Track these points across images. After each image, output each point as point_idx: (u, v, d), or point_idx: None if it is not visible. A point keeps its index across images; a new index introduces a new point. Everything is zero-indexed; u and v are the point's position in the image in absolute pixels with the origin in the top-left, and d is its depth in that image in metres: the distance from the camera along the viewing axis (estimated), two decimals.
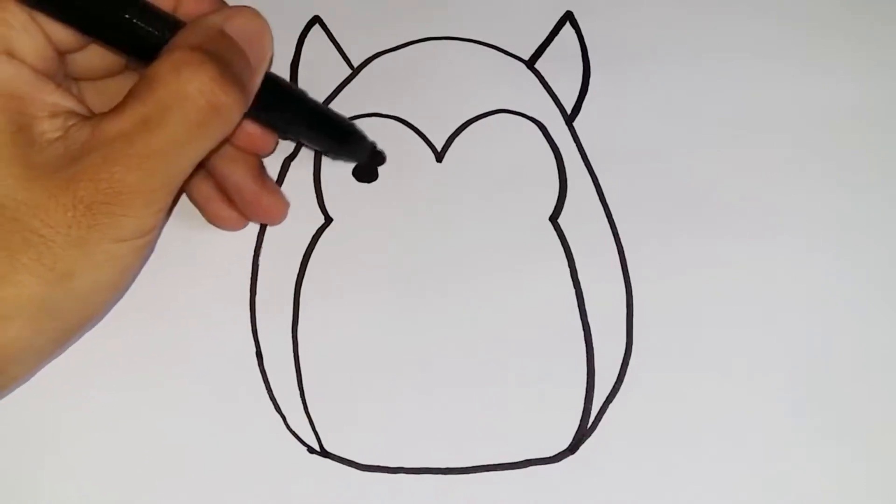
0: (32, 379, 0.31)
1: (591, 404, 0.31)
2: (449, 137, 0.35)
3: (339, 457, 0.31)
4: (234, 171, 0.32)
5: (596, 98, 0.36)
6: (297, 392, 0.32)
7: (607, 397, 0.31)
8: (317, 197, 0.35)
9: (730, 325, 0.32)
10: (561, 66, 0.37)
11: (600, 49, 0.37)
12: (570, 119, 0.36)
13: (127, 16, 0.26)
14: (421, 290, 0.33)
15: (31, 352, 0.28)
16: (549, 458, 0.31)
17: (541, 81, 0.36)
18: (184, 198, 0.34)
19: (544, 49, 0.37)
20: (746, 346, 0.32)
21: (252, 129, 0.31)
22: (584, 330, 0.32)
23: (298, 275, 0.33)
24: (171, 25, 0.27)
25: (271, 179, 0.33)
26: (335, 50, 0.37)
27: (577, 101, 0.36)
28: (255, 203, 0.33)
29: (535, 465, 0.30)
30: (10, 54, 0.25)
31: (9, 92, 0.25)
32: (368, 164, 0.35)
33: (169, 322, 0.32)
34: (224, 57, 0.26)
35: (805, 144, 0.35)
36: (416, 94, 0.36)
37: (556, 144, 0.35)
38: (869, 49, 0.37)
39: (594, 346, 0.32)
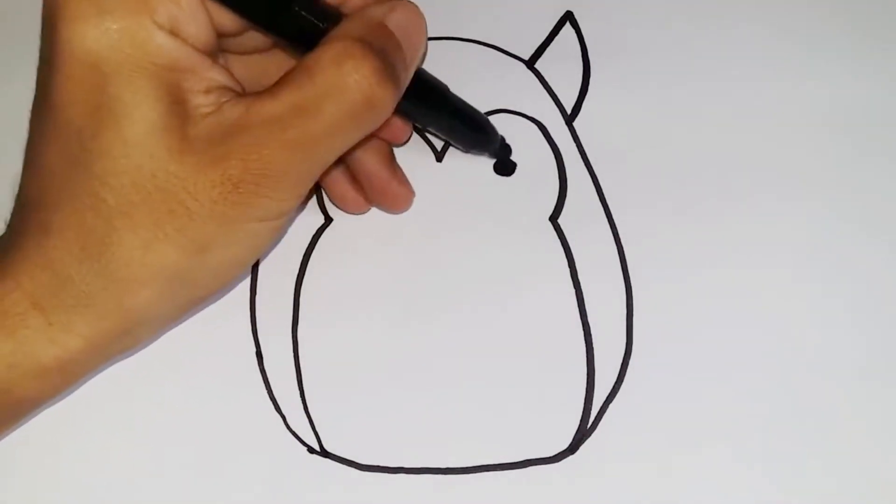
0: None
1: (591, 404, 0.31)
2: None
3: (339, 457, 0.31)
4: (368, 158, 0.32)
5: (596, 98, 0.36)
6: (297, 392, 0.32)
7: (607, 397, 0.31)
8: (317, 197, 0.35)
9: (730, 325, 0.32)
10: (561, 66, 0.37)
11: (600, 49, 0.37)
12: (570, 119, 0.36)
13: (296, 8, 0.26)
14: (421, 290, 0.33)
15: (158, 316, 0.29)
16: (549, 458, 0.31)
17: (541, 81, 0.36)
18: None
19: (544, 49, 0.37)
20: (746, 346, 0.32)
21: (392, 118, 0.31)
22: (584, 330, 0.32)
23: (298, 275, 0.33)
24: (334, 18, 0.27)
25: (400, 168, 0.34)
26: None
27: (577, 101, 0.36)
28: (384, 190, 0.33)
29: (535, 465, 0.30)
30: (176, 33, 0.26)
31: (170, 66, 0.25)
32: (498, 157, 0.35)
33: None
34: (384, 51, 0.26)
35: (805, 144, 0.35)
36: None
37: (556, 144, 0.35)
38: (869, 49, 0.37)
39: (594, 346, 0.32)
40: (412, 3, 0.28)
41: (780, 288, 0.33)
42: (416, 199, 0.34)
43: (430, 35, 0.37)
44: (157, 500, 0.30)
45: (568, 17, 0.37)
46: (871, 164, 0.35)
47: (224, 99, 0.26)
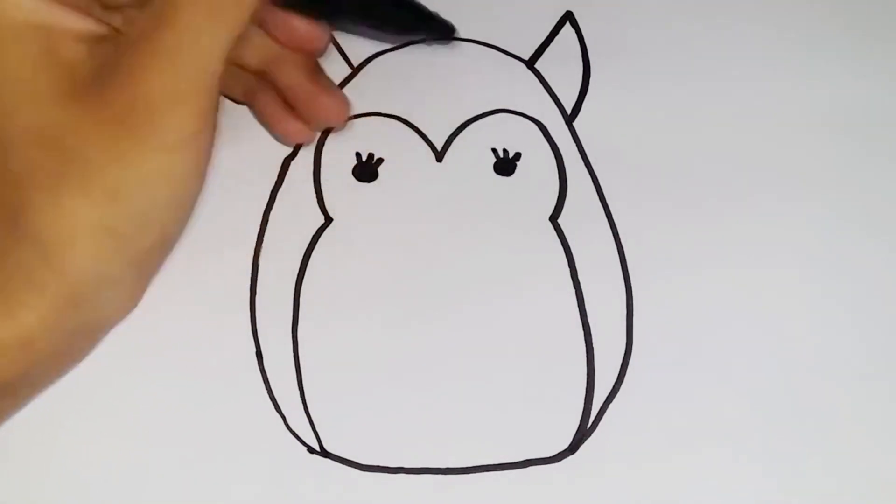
0: None
1: (591, 404, 0.31)
2: (449, 137, 0.35)
3: (339, 457, 0.31)
4: (288, 74, 0.31)
5: (596, 98, 0.36)
6: (297, 392, 0.32)
7: (607, 397, 0.31)
8: (317, 197, 0.35)
9: (730, 325, 0.32)
10: (561, 66, 0.37)
11: (600, 49, 0.37)
12: (570, 119, 0.36)
13: None
14: (421, 290, 0.33)
15: (109, 279, 0.28)
16: (549, 458, 0.31)
17: (541, 81, 0.36)
18: None
19: (544, 49, 0.37)
20: (746, 346, 0.32)
21: (297, 23, 0.30)
22: (584, 330, 0.32)
23: (298, 275, 0.33)
24: None
25: (329, 79, 0.33)
26: (335, 49, 0.37)
27: (577, 101, 0.36)
28: (311, 104, 0.32)
29: (535, 465, 0.31)
30: None
31: (37, 23, 0.25)
32: (443, 35, 0.33)
33: (169, 322, 0.32)
34: None
35: (805, 144, 0.35)
36: (416, 94, 0.36)
37: (556, 144, 0.35)
38: (869, 49, 0.37)
39: (594, 346, 0.32)
40: None
41: (781, 288, 0.33)
42: (416, 199, 0.34)
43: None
44: (157, 500, 0.30)
45: (568, 17, 0.37)
46: (871, 164, 0.35)
47: (97, 45, 0.26)
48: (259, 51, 0.32)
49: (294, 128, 0.33)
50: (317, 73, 0.32)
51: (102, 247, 0.27)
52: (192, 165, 0.28)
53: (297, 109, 0.32)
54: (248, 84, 0.33)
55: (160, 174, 0.27)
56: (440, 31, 0.34)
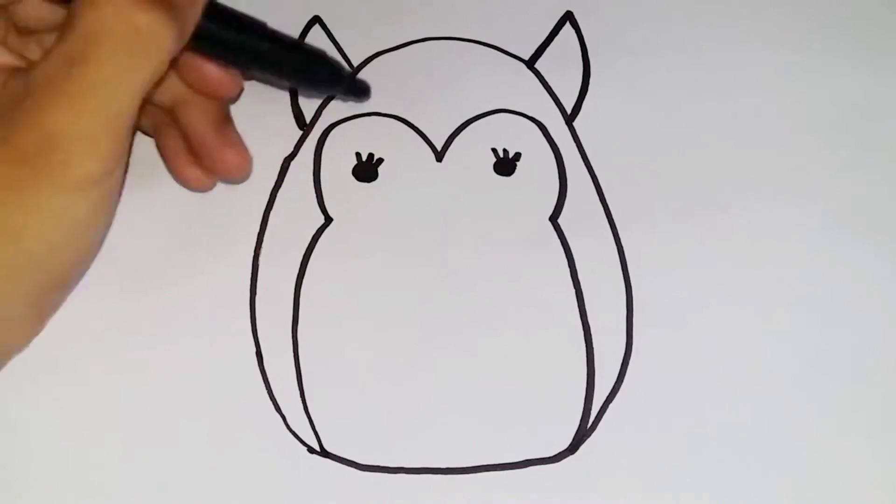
0: (31, 377, 0.31)
1: (591, 404, 0.31)
2: (449, 137, 0.35)
3: (339, 457, 0.31)
4: (194, 119, 0.30)
5: (596, 98, 0.36)
6: (297, 392, 0.32)
7: (607, 397, 0.31)
8: (317, 197, 0.35)
9: (730, 325, 0.32)
10: (561, 66, 0.37)
11: (600, 49, 0.37)
12: (570, 119, 0.36)
13: None
14: (421, 290, 0.33)
15: (4, 316, 0.27)
16: (549, 458, 0.31)
17: (541, 81, 0.36)
18: (182, 195, 0.34)
19: (544, 49, 0.37)
20: (746, 346, 0.32)
21: (209, 69, 0.29)
22: (584, 330, 0.32)
23: (298, 275, 0.33)
24: None
25: (236, 131, 0.32)
26: (335, 49, 0.37)
27: (577, 101, 0.36)
28: (214, 154, 0.31)
29: (535, 465, 0.30)
30: None
31: None
32: (353, 94, 0.33)
33: (169, 322, 0.32)
34: None
35: (805, 144, 0.35)
36: (416, 94, 0.36)
37: (556, 144, 0.35)
38: (869, 48, 0.37)
39: (594, 346, 0.32)
40: None
41: (780, 288, 0.33)
42: (416, 199, 0.34)
43: (430, 35, 0.37)
44: (157, 500, 0.30)
45: (568, 17, 0.37)
46: (870, 165, 0.35)
47: (8, 78, 0.25)
48: (168, 89, 0.31)
49: (193, 174, 0.32)
50: (224, 122, 0.31)
51: (5, 290, 0.26)
52: (97, 207, 0.27)
53: (199, 156, 0.31)
54: (156, 118, 0.32)
55: (63, 216, 0.26)
56: (353, 90, 0.33)
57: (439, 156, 0.35)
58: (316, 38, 0.37)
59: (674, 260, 0.33)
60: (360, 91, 0.34)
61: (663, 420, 0.31)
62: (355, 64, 0.37)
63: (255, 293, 0.33)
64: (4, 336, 0.28)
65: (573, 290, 0.33)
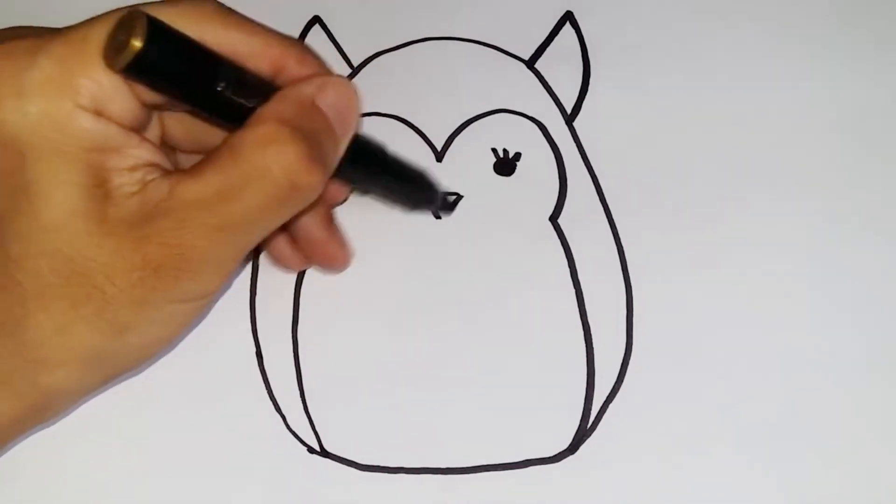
0: None
1: (591, 404, 0.31)
2: (449, 137, 0.35)
3: (339, 457, 0.31)
4: (304, 221, 0.31)
5: (596, 98, 0.36)
6: (297, 392, 0.32)
7: (607, 397, 0.31)
8: None
9: (730, 325, 0.32)
10: (561, 66, 0.37)
11: (600, 49, 0.37)
12: (570, 119, 0.36)
13: (220, 87, 0.25)
14: (421, 290, 0.33)
15: (76, 392, 0.28)
16: (549, 458, 0.31)
17: (541, 81, 0.36)
18: None
19: (544, 49, 0.37)
20: (746, 346, 0.32)
21: (328, 183, 0.30)
22: (584, 330, 0.32)
23: (298, 275, 0.33)
24: (263, 92, 0.26)
25: (339, 228, 0.33)
26: (335, 50, 0.37)
27: (577, 101, 0.36)
28: (322, 250, 0.32)
29: (535, 465, 0.31)
30: (99, 113, 0.25)
31: (93, 147, 0.25)
32: (443, 210, 0.34)
33: None
34: (312, 133, 0.25)
35: (805, 144, 0.35)
36: (416, 94, 0.36)
37: (556, 144, 0.35)
38: (869, 49, 0.37)
39: (594, 346, 0.32)
40: (345, 79, 0.27)
41: (780, 287, 0.33)
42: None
43: (430, 35, 0.37)
44: (158, 499, 0.30)
45: (568, 17, 0.38)
46: (871, 164, 0.35)
47: (150, 177, 0.25)
48: None
49: (292, 256, 0.33)
50: (330, 221, 0.32)
51: (90, 371, 0.27)
52: (200, 314, 0.28)
53: (303, 246, 0.32)
54: None
55: (170, 320, 0.27)
56: (444, 207, 0.34)
57: (439, 156, 0.35)
58: (316, 38, 0.37)
59: (674, 260, 0.33)
60: (449, 207, 0.34)
61: (663, 420, 0.31)
62: (355, 64, 0.37)
63: (255, 293, 0.33)
64: (60, 406, 0.29)
65: (573, 290, 0.33)
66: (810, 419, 0.31)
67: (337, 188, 0.32)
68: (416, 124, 0.35)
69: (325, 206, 0.32)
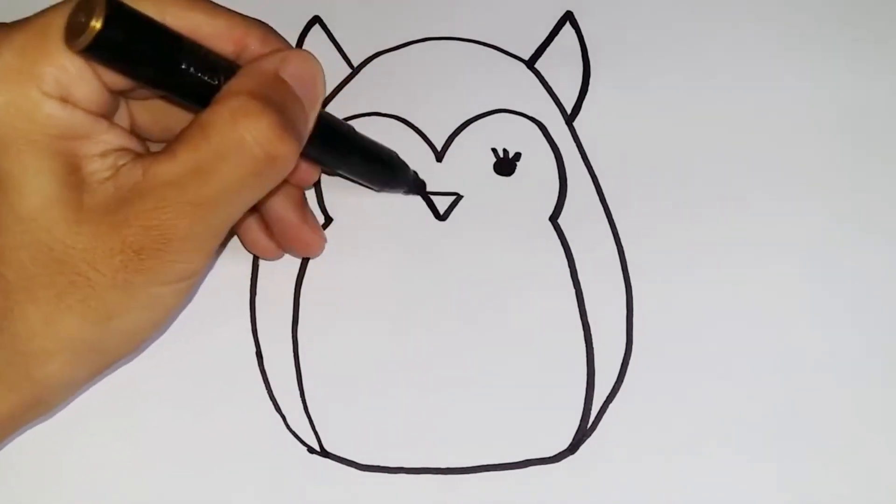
0: None
1: (591, 404, 0.31)
2: (449, 137, 0.35)
3: (339, 457, 0.31)
4: (276, 203, 0.31)
5: (596, 98, 0.36)
6: (297, 392, 0.32)
7: (607, 397, 0.31)
8: (317, 197, 0.35)
9: (730, 325, 0.32)
10: (561, 66, 0.37)
11: (600, 49, 0.37)
12: (570, 119, 0.36)
13: (185, 66, 0.25)
14: (421, 290, 0.33)
15: (70, 383, 0.28)
16: (549, 458, 0.31)
17: (541, 81, 0.36)
18: None
19: (544, 49, 0.37)
20: (746, 346, 0.32)
21: (298, 164, 0.30)
22: (584, 330, 0.32)
23: (298, 275, 0.33)
24: (226, 71, 0.26)
25: (312, 213, 0.33)
26: (335, 50, 0.37)
27: (577, 101, 0.36)
28: (294, 235, 0.32)
29: (535, 465, 0.31)
30: (65, 100, 0.25)
31: (62, 135, 0.25)
32: (414, 192, 0.34)
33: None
34: (280, 104, 0.25)
35: (805, 144, 0.35)
36: (416, 94, 0.36)
37: (556, 144, 0.35)
38: (869, 49, 0.37)
39: (594, 346, 0.32)
40: (306, 51, 0.27)
41: (780, 287, 0.33)
42: (415, 199, 0.34)
43: (430, 35, 0.37)
44: (158, 499, 0.30)
45: (568, 17, 0.37)
46: (871, 164, 0.35)
47: (122, 162, 0.25)
48: None
49: (266, 245, 0.33)
50: (302, 205, 0.32)
51: (81, 360, 0.27)
52: (186, 295, 0.28)
53: (276, 233, 0.32)
54: None
55: (155, 303, 0.27)
56: (415, 191, 0.34)
57: (439, 156, 0.35)
58: (316, 38, 0.37)
59: (674, 260, 0.33)
60: (419, 186, 0.34)
61: (663, 420, 0.31)
62: (355, 64, 0.37)
63: (255, 293, 0.33)
64: (55, 398, 0.29)
65: (573, 290, 0.33)
66: (810, 419, 0.31)
67: (307, 169, 0.31)
68: (416, 124, 0.35)
69: (296, 189, 0.32)
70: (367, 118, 0.35)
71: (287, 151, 0.25)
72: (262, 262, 0.34)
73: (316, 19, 0.38)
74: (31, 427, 0.30)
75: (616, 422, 0.31)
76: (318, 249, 0.33)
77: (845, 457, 0.30)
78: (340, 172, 0.34)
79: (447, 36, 0.37)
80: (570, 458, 0.31)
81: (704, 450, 0.30)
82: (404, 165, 0.34)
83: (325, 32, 0.37)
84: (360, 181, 0.34)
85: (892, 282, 0.33)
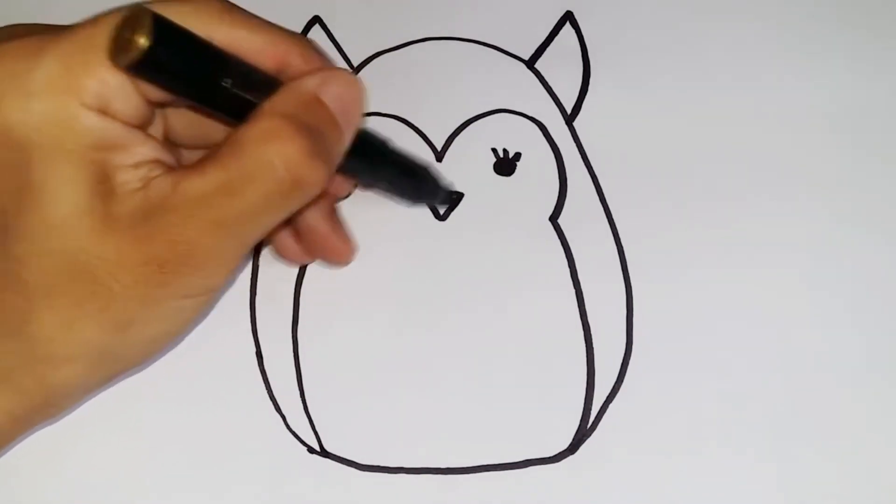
0: None
1: (591, 404, 0.31)
2: (449, 137, 0.35)
3: (339, 457, 0.31)
4: (309, 212, 0.31)
5: (596, 98, 0.36)
6: (297, 392, 0.32)
7: (607, 397, 0.31)
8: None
9: (730, 325, 0.32)
10: (561, 66, 0.37)
11: (600, 49, 0.37)
12: (570, 119, 0.36)
13: (225, 83, 0.25)
14: (421, 290, 0.33)
15: (81, 389, 0.28)
16: (549, 458, 0.31)
17: (541, 81, 0.36)
18: None
19: (544, 49, 0.37)
20: (746, 346, 0.32)
21: (333, 179, 0.30)
22: (584, 330, 0.32)
23: (298, 275, 0.33)
24: (267, 87, 0.26)
25: (343, 222, 0.33)
26: (335, 50, 0.37)
27: (577, 101, 0.36)
28: (325, 244, 0.32)
29: (535, 465, 0.31)
30: (104, 111, 0.25)
31: (98, 145, 0.25)
32: (449, 204, 0.34)
33: None
34: (316, 128, 0.25)
35: (805, 144, 0.35)
36: (416, 94, 0.36)
37: (556, 144, 0.35)
38: (869, 49, 0.37)
39: (594, 346, 0.32)
40: (349, 72, 0.27)
41: (780, 287, 0.33)
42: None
43: (430, 35, 0.37)
44: (158, 499, 0.30)
45: (568, 17, 0.38)
46: (871, 164, 0.35)
47: (153, 174, 0.25)
48: None
49: (295, 250, 0.33)
50: (333, 215, 0.32)
51: (95, 368, 0.27)
52: (205, 309, 0.29)
53: (306, 240, 0.32)
54: None
55: (175, 315, 0.27)
56: (451, 203, 0.34)
57: (439, 156, 0.35)
58: (316, 39, 0.37)
59: (674, 260, 0.33)
60: (451, 202, 0.34)
61: (663, 420, 0.31)
62: (355, 64, 0.37)
63: (255, 293, 0.33)
64: (65, 403, 0.29)
65: (573, 290, 0.33)
66: (810, 419, 0.31)
67: (341, 182, 0.32)
68: (416, 124, 0.35)
69: (328, 200, 0.32)
70: (367, 118, 0.35)
71: (315, 177, 0.25)
72: (262, 263, 0.34)
73: (316, 19, 0.38)
74: (35, 431, 0.30)
75: (616, 422, 0.31)
76: (349, 259, 0.33)
77: (845, 457, 0.30)
78: (374, 186, 0.34)
79: (447, 36, 0.37)
80: (570, 458, 0.31)
81: (704, 450, 0.30)
82: (438, 179, 0.33)
83: (326, 32, 0.37)
84: (395, 195, 0.34)
85: (892, 282, 0.33)
